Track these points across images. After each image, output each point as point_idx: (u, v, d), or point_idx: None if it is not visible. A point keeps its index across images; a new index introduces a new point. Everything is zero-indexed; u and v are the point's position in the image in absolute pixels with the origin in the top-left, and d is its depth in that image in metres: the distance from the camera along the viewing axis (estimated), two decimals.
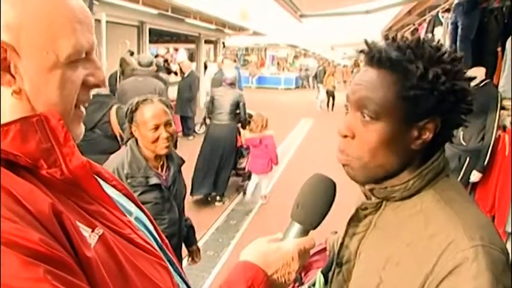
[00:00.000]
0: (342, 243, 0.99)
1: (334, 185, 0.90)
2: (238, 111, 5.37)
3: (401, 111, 0.82)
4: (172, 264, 0.83)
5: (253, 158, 5.48)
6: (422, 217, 0.83)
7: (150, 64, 5.05)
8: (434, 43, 0.85)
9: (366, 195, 0.96)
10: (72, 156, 0.64)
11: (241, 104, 5.35)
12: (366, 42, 0.89)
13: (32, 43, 0.61)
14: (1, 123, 0.60)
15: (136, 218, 0.83)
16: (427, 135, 0.84)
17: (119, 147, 2.99)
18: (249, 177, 5.81)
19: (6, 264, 0.48)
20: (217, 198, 5.46)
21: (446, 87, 0.80)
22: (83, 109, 0.72)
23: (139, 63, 5.08)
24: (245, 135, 5.53)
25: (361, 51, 0.89)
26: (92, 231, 0.62)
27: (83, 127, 0.74)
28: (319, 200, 0.88)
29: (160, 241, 0.86)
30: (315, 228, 0.88)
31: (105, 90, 3.56)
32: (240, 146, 5.74)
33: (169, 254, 0.86)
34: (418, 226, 0.83)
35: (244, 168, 5.85)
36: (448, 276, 0.75)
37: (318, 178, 0.91)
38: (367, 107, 0.84)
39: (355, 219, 0.96)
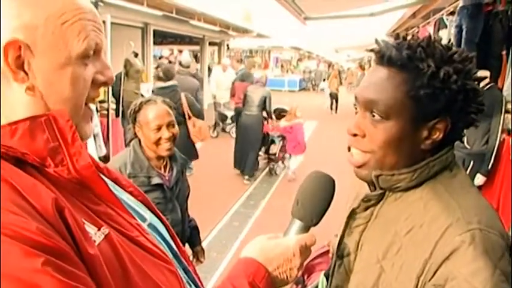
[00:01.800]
0: (342, 236, 0.99)
1: (333, 181, 0.91)
2: (264, 105, 6.46)
3: (411, 111, 0.82)
4: (187, 272, 0.83)
5: (290, 142, 6.68)
6: (422, 204, 0.84)
7: (189, 66, 6.76)
8: (445, 43, 0.85)
9: (370, 188, 0.95)
10: (79, 156, 0.64)
11: (267, 99, 6.40)
12: (377, 41, 0.89)
13: (46, 41, 0.63)
14: (14, 120, 0.62)
15: (150, 225, 0.83)
16: (437, 135, 0.84)
17: (185, 121, 4.76)
18: (280, 160, 6.99)
19: (7, 254, 0.49)
20: (246, 177, 6.49)
21: (457, 86, 0.80)
22: (92, 107, 0.73)
23: (181, 64, 6.81)
24: (281, 124, 6.82)
25: (371, 50, 0.89)
26: (98, 230, 0.63)
27: (92, 126, 0.75)
28: (319, 196, 0.88)
29: (176, 249, 0.86)
30: (315, 224, 0.88)
31: (173, 82, 4.97)
32: (267, 134, 6.91)
33: (185, 263, 0.85)
34: (417, 213, 0.83)
35: (275, 154, 6.95)
36: (446, 261, 0.75)
37: (317, 175, 0.92)
38: (376, 106, 0.84)
39: (356, 212, 0.96)
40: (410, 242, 0.82)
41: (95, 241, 0.61)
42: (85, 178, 0.65)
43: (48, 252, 0.51)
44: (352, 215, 0.97)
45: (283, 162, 7.07)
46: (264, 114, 6.59)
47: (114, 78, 0.77)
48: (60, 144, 0.64)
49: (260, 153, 6.92)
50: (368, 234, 0.92)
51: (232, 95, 7.72)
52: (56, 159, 0.63)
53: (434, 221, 0.79)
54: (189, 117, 4.86)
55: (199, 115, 4.97)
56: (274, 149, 6.98)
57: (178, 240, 0.90)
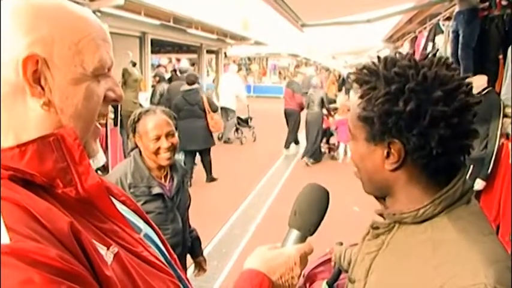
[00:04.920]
0: (355, 260, 1.00)
1: (327, 192, 0.94)
2: (322, 104, 8.39)
3: (364, 132, 0.86)
4: (181, 280, 0.83)
5: (340, 133, 8.24)
6: (430, 245, 0.80)
7: (186, 71, 7.89)
8: (401, 60, 0.83)
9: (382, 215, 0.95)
10: (87, 176, 0.64)
11: (324, 99, 8.38)
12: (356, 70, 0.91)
13: (62, 57, 0.64)
14: (24, 137, 0.62)
15: (146, 235, 0.83)
16: (395, 157, 0.83)
17: (205, 116, 6.36)
18: (337, 148, 8.83)
19: (29, 283, 0.48)
20: (311, 160, 8.24)
21: (384, 108, 0.79)
22: (99, 126, 0.74)
23: (180, 71, 8.36)
24: (335, 117, 8.55)
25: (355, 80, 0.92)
26: (107, 249, 0.63)
27: (98, 144, 0.76)
28: (315, 207, 0.91)
29: (169, 257, 0.86)
30: (312, 234, 0.91)
31: (196, 85, 6.52)
32: (328, 128, 8.83)
33: (178, 270, 0.86)
34: (425, 254, 0.80)
35: (334, 144, 9.00)
36: None
37: (313, 187, 0.95)
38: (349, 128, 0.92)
39: (368, 237, 0.96)
40: (415, 284, 0.79)
41: (106, 262, 0.60)
42: (93, 197, 0.65)
43: (69, 279, 0.51)
44: (364, 239, 0.97)
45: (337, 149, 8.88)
46: (324, 111, 8.54)
47: None
48: (69, 164, 0.63)
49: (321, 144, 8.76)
50: (378, 263, 0.91)
51: (284, 99, 9.59)
52: (65, 180, 0.63)
53: (441, 266, 0.76)
54: (208, 112, 6.41)
55: (216, 110, 6.65)
56: (333, 140, 9.01)
57: (169, 247, 0.91)
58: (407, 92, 0.77)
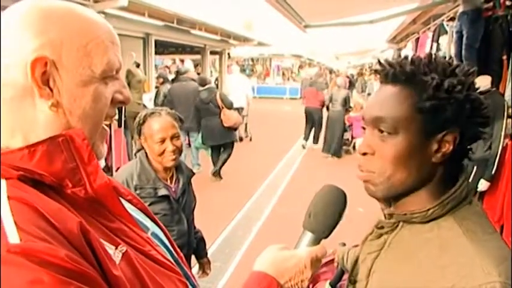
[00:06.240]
0: (356, 260, 0.98)
1: (344, 195, 0.91)
2: (345, 103, 8.94)
3: (419, 124, 0.82)
4: (188, 278, 0.84)
5: (356, 129, 8.85)
6: (437, 244, 0.80)
7: (185, 72, 7.88)
8: (446, 59, 0.86)
9: (384, 215, 0.94)
10: (96, 176, 0.65)
11: (346, 98, 8.94)
12: (379, 61, 0.90)
13: (71, 59, 0.65)
14: (32, 138, 0.63)
15: (153, 233, 0.84)
16: (447, 148, 0.82)
17: (220, 112, 6.66)
18: (350, 143, 9.44)
19: (38, 283, 0.49)
20: (330, 156, 8.83)
21: (463, 96, 0.80)
22: (106, 128, 0.74)
23: (180, 73, 8.11)
24: (351, 114, 9.02)
25: (376, 71, 0.90)
26: (116, 248, 0.64)
27: (106, 147, 0.76)
28: (331, 210, 0.89)
29: (176, 255, 0.87)
30: (326, 237, 0.89)
31: (210, 85, 7.12)
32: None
33: (185, 268, 0.86)
34: (432, 253, 0.80)
35: (348, 139, 9.48)
36: None
37: (329, 188, 0.92)
38: (384, 121, 0.84)
39: (370, 237, 0.95)
40: (421, 283, 0.79)
41: (115, 261, 0.61)
42: (101, 196, 0.66)
43: (78, 279, 0.52)
44: (366, 240, 0.96)
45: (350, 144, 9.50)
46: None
47: None
48: (78, 165, 0.64)
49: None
50: (380, 263, 0.91)
51: (304, 97, 10.21)
52: (74, 180, 0.64)
53: (450, 266, 0.76)
54: (222, 108, 6.68)
55: (231, 106, 6.88)
56: (347, 135, 9.47)
57: (176, 246, 0.92)
58: (467, 84, 0.82)
